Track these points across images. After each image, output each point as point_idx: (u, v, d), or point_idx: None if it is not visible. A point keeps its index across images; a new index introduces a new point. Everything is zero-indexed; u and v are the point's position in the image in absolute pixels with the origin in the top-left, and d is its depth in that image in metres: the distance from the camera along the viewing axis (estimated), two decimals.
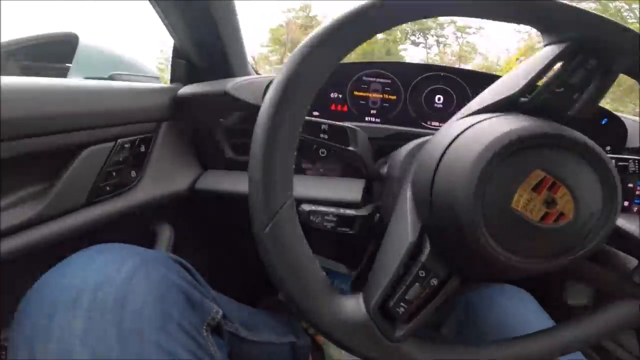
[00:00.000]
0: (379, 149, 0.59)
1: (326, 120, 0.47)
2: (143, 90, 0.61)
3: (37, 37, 0.95)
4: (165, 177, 0.63)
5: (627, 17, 12.48)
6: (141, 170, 0.59)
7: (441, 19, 15.36)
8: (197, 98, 0.64)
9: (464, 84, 0.65)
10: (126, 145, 0.55)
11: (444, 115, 0.67)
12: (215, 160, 0.70)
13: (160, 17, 0.60)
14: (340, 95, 0.66)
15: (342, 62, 0.62)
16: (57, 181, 0.46)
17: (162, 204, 0.63)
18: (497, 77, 0.64)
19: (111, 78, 0.64)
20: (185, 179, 0.68)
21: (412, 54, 16.15)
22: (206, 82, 0.66)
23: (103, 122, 0.50)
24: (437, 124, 0.67)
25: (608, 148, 0.64)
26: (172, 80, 0.74)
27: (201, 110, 0.68)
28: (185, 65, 0.72)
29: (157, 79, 0.77)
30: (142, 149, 0.59)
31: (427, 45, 16.21)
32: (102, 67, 0.76)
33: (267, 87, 0.55)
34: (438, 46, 16.16)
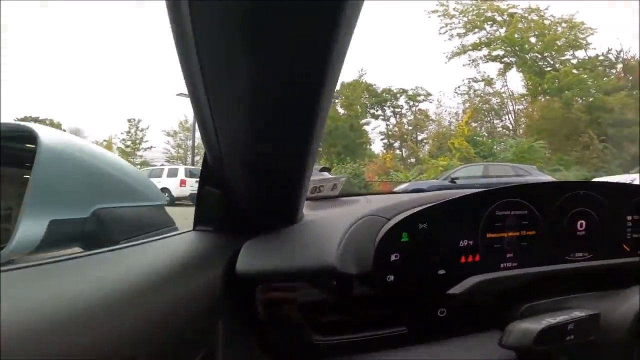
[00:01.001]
0: (509, 296, 0.51)
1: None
2: (180, 284, 0.37)
3: None
4: None
5: (543, 65, 14.71)
6: None
7: (393, 88, 17.25)
8: (271, 276, 0.45)
9: (601, 198, 0.56)
10: None
11: (590, 243, 0.55)
12: (294, 349, 0.50)
13: (199, 116, 0.36)
14: (472, 242, 0.50)
15: (470, 191, 0.54)
16: None
17: None
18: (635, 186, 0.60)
19: (96, 216, 0.45)
20: None
21: (374, 126, 17.69)
22: (268, 239, 0.47)
23: None
24: (581, 255, 0.54)
25: None
26: (197, 222, 0.50)
27: (272, 289, 0.48)
28: (220, 199, 0.47)
29: (162, 205, 0.54)
30: None
31: (386, 117, 17.94)
32: (78, 190, 0.47)
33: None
34: (395, 117, 17.90)
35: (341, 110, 16.58)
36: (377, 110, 17.87)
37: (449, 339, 0.50)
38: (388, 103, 17.69)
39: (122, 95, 22.44)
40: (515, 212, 0.52)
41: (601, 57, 14.13)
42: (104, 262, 0.37)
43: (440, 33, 15.44)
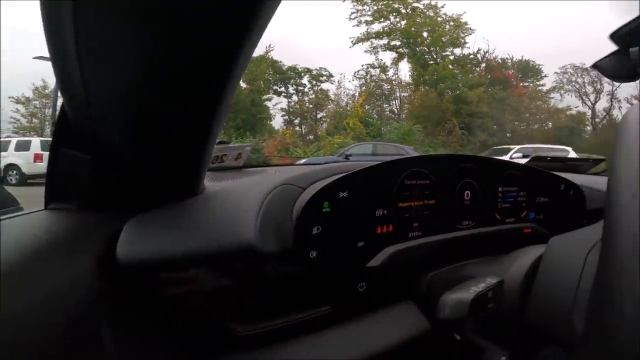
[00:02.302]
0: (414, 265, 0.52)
1: None
2: (30, 281, 0.28)
3: None
4: None
5: (428, 58, 16.85)
6: None
7: (298, 67, 17.40)
8: (169, 262, 0.36)
9: (481, 171, 0.59)
10: None
11: (473, 212, 0.58)
12: (210, 343, 0.42)
13: (54, 48, 0.26)
14: (386, 212, 0.49)
15: (380, 162, 0.52)
16: None
17: None
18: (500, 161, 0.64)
19: None
20: None
21: (276, 102, 17.52)
22: (160, 215, 0.38)
23: None
24: (467, 223, 0.57)
25: None
26: (51, 197, 0.39)
27: (172, 279, 0.39)
28: (87, 166, 0.36)
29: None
30: None
31: (288, 94, 17.93)
32: None
33: None
34: (297, 95, 18.03)
35: (243, 85, 15.77)
36: (280, 87, 17.72)
37: (370, 313, 0.49)
38: (292, 81, 17.69)
39: None
40: (420, 181, 0.53)
41: (471, 56, 16.94)
42: None
43: (350, 18, 16.27)
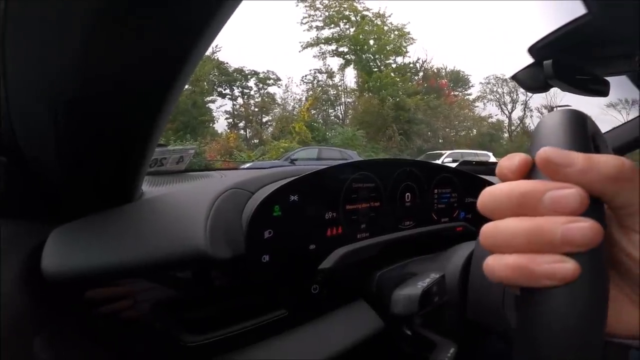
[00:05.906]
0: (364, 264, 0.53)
1: None
2: None
3: None
4: None
5: (372, 66, 17.63)
6: None
7: (245, 69, 17.04)
8: (103, 274, 0.33)
9: (420, 174, 0.62)
10: None
11: (413, 213, 0.61)
12: (162, 355, 0.40)
13: None
14: (335, 214, 0.51)
15: (328, 166, 0.53)
16: None
17: None
18: (440, 166, 0.68)
19: None
20: None
21: (220, 104, 16.88)
22: (94, 222, 0.35)
23: None
24: (408, 223, 0.61)
25: None
26: None
27: (106, 295, 0.35)
28: (4, 165, 0.33)
29: None
30: None
31: (233, 97, 17.42)
32: None
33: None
34: (243, 98, 17.59)
35: (186, 85, 14.93)
36: (225, 89, 17.10)
37: (325, 314, 0.50)
38: (238, 83, 17.19)
39: None
40: (366, 184, 0.55)
41: (411, 65, 18.04)
42: None
43: (302, 23, 16.39)
